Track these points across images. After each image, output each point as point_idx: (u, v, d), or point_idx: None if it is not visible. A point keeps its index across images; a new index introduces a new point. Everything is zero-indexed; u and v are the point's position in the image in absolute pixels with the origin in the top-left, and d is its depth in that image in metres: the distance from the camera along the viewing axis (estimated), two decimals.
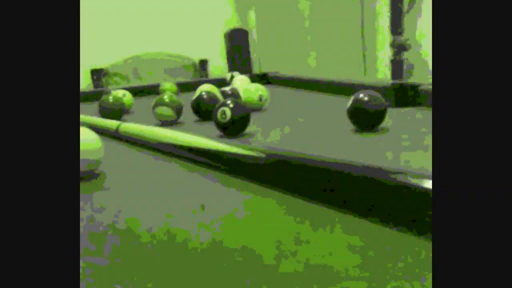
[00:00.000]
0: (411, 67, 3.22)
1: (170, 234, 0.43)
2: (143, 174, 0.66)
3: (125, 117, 1.27)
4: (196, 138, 0.66)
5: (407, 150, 0.68)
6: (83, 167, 0.60)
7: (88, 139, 0.60)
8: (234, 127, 0.84)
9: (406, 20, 3.16)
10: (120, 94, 1.35)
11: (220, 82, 2.02)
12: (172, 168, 0.67)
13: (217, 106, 0.85)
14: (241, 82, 1.43)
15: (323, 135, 0.85)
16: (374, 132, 0.80)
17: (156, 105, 1.06)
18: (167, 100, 1.06)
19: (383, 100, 0.80)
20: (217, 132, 0.89)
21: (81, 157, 0.59)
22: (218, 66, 4.00)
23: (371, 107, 0.79)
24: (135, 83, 3.91)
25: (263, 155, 0.53)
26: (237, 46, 3.63)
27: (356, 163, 0.45)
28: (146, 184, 0.62)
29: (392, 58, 3.23)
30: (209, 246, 0.40)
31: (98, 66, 3.86)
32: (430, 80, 2.70)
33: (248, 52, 3.58)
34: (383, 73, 3.43)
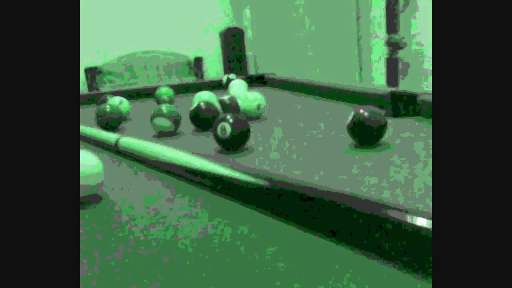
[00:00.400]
0: (406, 65, 3.22)
1: (169, 259, 0.43)
2: (143, 195, 0.66)
3: (122, 125, 1.26)
4: (196, 159, 0.66)
5: (406, 168, 0.68)
6: (83, 193, 0.60)
7: (88, 164, 0.60)
8: (234, 143, 0.84)
9: (402, 18, 3.16)
10: (116, 101, 1.34)
11: (216, 85, 2.01)
12: (173, 189, 0.67)
13: (217, 120, 0.85)
14: (238, 88, 1.43)
15: (323, 149, 0.85)
16: (373, 147, 0.80)
17: (154, 116, 1.06)
18: (165, 111, 1.05)
19: (383, 115, 0.80)
20: (216, 145, 0.88)
21: (81, 182, 0.59)
22: (212, 60, 3.99)
23: (371, 123, 0.79)
24: (130, 81, 3.89)
25: (267, 184, 0.53)
26: (233, 45, 3.62)
27: (347, 193, 0.46)
28: (146, 207, 0.62)
29: (387, 56, 3.23)
30: (208, 271, 0.40)
31: (91, 64, 3.84)
32: (425, 81, 2.69)
33: (244, 52, 3.56)
34: (378, 72, 3.43)
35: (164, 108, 1.06)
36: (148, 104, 1.68)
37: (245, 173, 0.57)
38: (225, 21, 3.94)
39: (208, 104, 1.08)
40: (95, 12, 3.86)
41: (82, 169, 0.59)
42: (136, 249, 0.48)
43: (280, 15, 3.66)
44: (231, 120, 0.84)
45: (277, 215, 0.52)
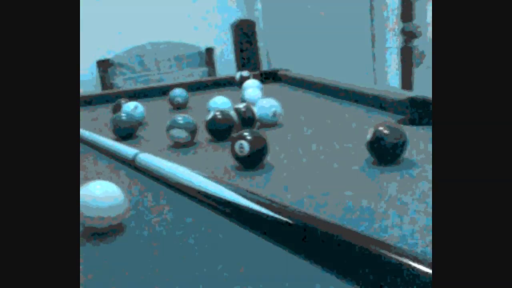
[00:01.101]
0: (421, 53, 3.17)
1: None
2: (165, 220, 0.67)
3: (138, 131, 1.26)
4: (215, 185, 0.66)
5: (424, 192, 0.67)
6: (104, 225, 0.60)
7: (111, 196, 0.60)
8: (252, 160, 0.84)
9: (417, 6, 3.09)
10: (131, 107, 1.34)
11: (229, 81, 2.00)
12: (198, 216, 0.67)
13: (234, 137, 0.85)
14: (253, 91, 1.42)
15: (341, 166, 0.84)
16: (394, 165, 0.79)
17: (171, 127, 1.05)
18: (181, 122, 1.05)
19: (403, 133, 0.79)
20: (234, 161, 0.88)
21: (103, 214, 0.60)
22: (224, 51, 3.97)
23: (390, 140, 0.78)
24: (142, 73, 3.90)
25: (291, 221, 0.53)
26: (244, 37, 3.59)
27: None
28: (168, 233, 0.62)
29: (402, 45, 3.18)
30: None
31: (103, 57, 3.84)
32: None
33: (256, 45, 3.53)
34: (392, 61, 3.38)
35: (180, 119, 1.06)
36: (162, 105, 1.68)
37: (264, 205, 0.57)
38: (236, 12, 3.90)
39: (224, 114, 1.08)
40: (105, 3, 3.84)
41: (105, 201, 0.60)
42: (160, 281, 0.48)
43: (292, 7, 3.61)
44: (249, 137, 0.83)
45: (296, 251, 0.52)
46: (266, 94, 1.48)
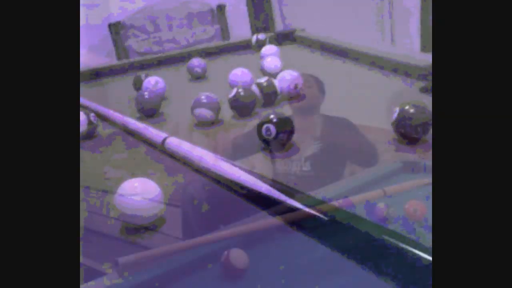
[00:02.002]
0: None
1: None
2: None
3: (162, 108, 1.27)
4: (248, 176, 0.68)
5: None
6: (144, 221, 0.64)
7: (149, 197, 0.63)
8: (279, 142, 0.85)
9: None
10: (152, 83, 1.35)
11: (245, 46, 1.98)
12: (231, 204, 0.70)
13: (261, 121, 0.86)
14: (272, 60, 1.41)
15: (366, 143, 0.85)
16: (417, 144, 0.80)
17: (195, 107, 1.07)
18: (205, 101, 1.07)
19: (429, 113, 0.79)
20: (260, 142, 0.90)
21: (143, 213, 0.63)
22: (236, 8, 3.88)
23: (416, 120, 0.79)
24: (154, 34, 3.85)
25: (323, 217, 0.55)
26: None
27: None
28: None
29: None
30: None
31: (114, 20, 3.79)
32: None
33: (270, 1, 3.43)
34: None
35: (204, 98, 1.07)
36: (181, 75, 1.67)
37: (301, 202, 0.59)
38: None
39: (246, 91, 1.09)
40: None
41: (144, 199, 0.63)
42: None
43: None
44: (275, 120, 0.85)
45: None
46: (283, 58, 1.47)
